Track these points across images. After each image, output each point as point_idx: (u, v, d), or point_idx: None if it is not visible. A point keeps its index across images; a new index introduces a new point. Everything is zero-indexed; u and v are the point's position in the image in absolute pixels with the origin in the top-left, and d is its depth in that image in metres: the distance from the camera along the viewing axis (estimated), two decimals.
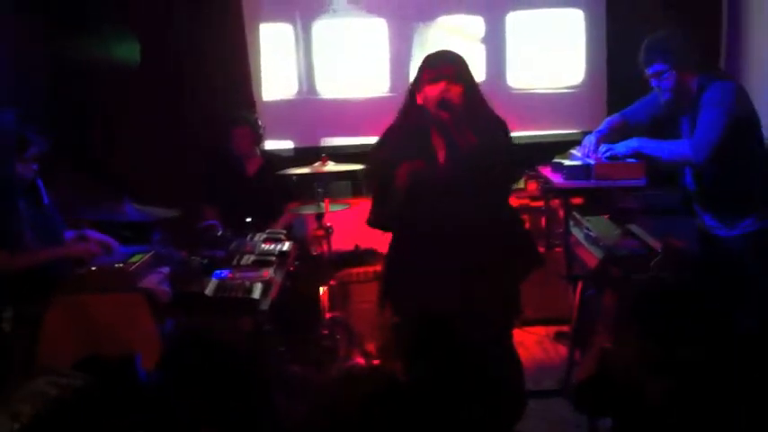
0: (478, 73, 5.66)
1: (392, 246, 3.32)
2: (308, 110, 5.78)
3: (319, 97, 5.79)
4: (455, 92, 3.06)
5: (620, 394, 1.77)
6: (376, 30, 5.75)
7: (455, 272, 3.01)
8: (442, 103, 3.04)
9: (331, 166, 4.40)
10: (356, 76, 5.78)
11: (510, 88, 5.79)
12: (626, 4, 5.60)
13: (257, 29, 5.74)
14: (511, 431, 2.59)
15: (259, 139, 4.95)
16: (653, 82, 3.48)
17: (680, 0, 5.40)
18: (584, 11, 5.77)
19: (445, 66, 3.10)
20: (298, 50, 5.76)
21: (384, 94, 5.68)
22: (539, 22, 5.79)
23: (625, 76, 5.37)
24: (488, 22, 5.75)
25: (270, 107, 5.72)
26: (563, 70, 5.83)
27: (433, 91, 3.07)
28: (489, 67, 5.75)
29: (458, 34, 5.75)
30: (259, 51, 5.75)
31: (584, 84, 5.83)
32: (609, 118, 3.90)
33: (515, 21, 5.78)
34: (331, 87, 5.80)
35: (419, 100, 3.13)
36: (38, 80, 5.21)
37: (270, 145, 5.43)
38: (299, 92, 5.80)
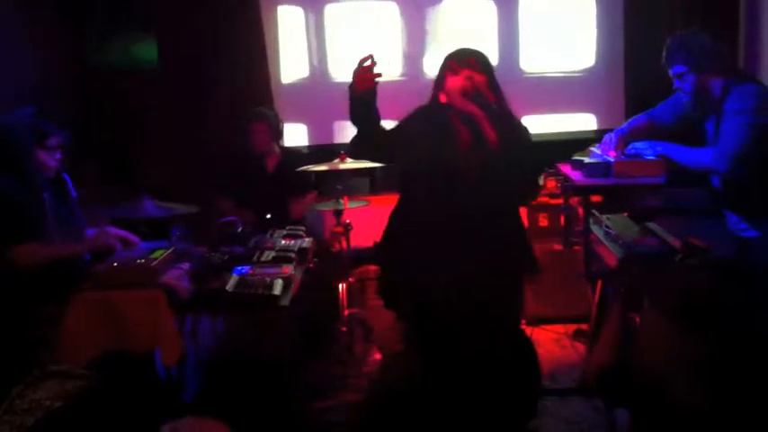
0: (491, 56, 5.70)
1: (389, 233, 3.23)
2: (323, 93, 5.77)
3: (333, 81, 5.79)
4: (480, 80, 3.00)
5: (641, 388, 1.77)
6: (388, 14, 5.75)
7: (453, 265, 2.95)
8: (469, 93, 2.96)
9: (349, 163, 4.42)
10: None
11: (522, 72, 5.77)
12: None
13: (275, 12, 5.77)
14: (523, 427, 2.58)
15: (277, 135, 4.97)
16: (675, 83, 3.45)
17: None
18: None
19: (469, 57, 3.06)
20: (308, 34, 5.77)
21: (396, 78, 5.61)
22: (551, 4, 5.76)
23: (642, 58, 5.40)
24: (500, 5, 5.73)
25: (287, 90, 5.74)
26: (576, 53, 5.80)
27: (456, 81, 3.01)
28: (502, 51, 5.72)
29: (470, 17, 5.73)
30: (277, 34, 5.78)
31: (597, 67, 5.79)
32: (633, 118, 3.88)
33: (527, 3, 5.76)
34: (344, 71, 5.81)
35: (442, 98, 3.07)
36: (59, 80, 5.27)
37: (287, 130, 5.46)
38: (312, 75, 5.81)
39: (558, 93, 5.77)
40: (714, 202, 3.48)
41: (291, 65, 5.83)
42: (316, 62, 5.81)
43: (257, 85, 5.62)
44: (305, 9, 5.77)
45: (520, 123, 3.17)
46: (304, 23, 5.79)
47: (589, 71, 5.80)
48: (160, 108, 5.55)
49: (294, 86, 5.82)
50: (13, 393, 1.51)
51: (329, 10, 5.77)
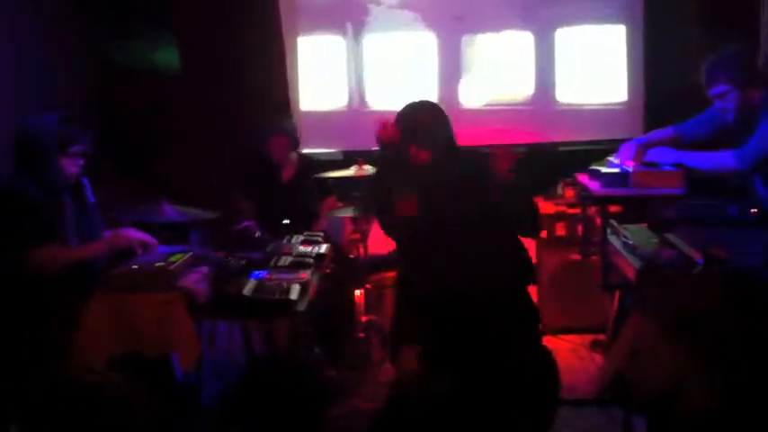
0: (527, 87, 5.81)
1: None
2: (356, 121, 5.86)
3: (368, 109, 5.87)
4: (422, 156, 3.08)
5: (656, 396, 1.76)
6: (426, 44, 5.83)
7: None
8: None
9: (367, 170, 4.43)
10: (405, 90, 5.82)
11: (558, 103, 5.82)
12: (663, 19, 5.61)
13: (295, 41, 5.88)
14: None
15: (296, 146, 4.99)
16: (716, 103, 3.44)
17: (716, 14, 5.37)
18: (626, 26, 5.78)
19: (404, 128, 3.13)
20: (349, 63, 5.89)
21: None
22: (585, 39, 5.84)
23: (662, 91, 5.44)
24: (537, 38, 5.80)
25: (307, 117, 5.80)
26: (609, 86, 5.86)
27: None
28: (538, 82, 5.80)
29: (507, 49, 5.81)
30: (296, 63, 5.88)
31: (628, 100, 5.86)
32: (659, 131, 3.86)
33: (563, 37, 5.83)
34: (379, 100, 5.87)
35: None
36: (83, 84, 5.32)
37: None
38: (349, 103, 5.94)
39: (592, 124, 5.81)
40: (745, 216, 3.45)
41: (316, 92, 5.96)
42: (351, 90, 5.93)
43: (276, 106, 5.70)
44: (344, 38, 5.90)
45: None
46: (338, 51, 5.92)
47: (623, 104, 5.86)
48: (180, 113, 5.60)
49: (316, 114, 5.94)
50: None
51: (366, 40, 5.89)
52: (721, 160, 3.41)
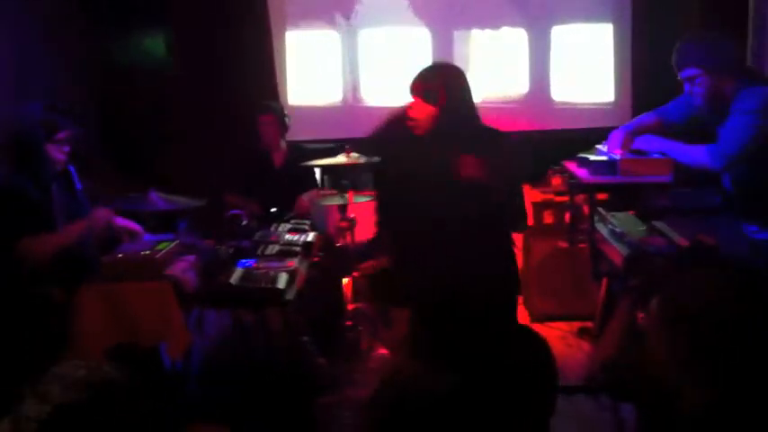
0: (521, 85, 5.78)
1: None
2: (351, 116, 5.84)
3: (363, 104, 5.86)
4: (424, 111, 3.12)
5: (649, 388, 1.76)
6: (419, 39, 5.80)
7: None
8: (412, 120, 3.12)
9: (355, 158, 4.41)
10: (399, 85, 5.81)
11: (553, 101, 5.80)
12: (651, 19, 5.60)
13: (290, 37, 5.86)
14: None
15: (284, 129, 4.96)
16: (686, 86, 3.39)
17: (705, 16, 5.37)
18: (613, 25, 5.78)
19: (415, 81, 3.20)
20: (344, 57, 5.86)
21: None
22: (575, 37, 5.82)
23: (650, 92, 5.44)
24: (531, 36, 5.78)
25: (301, 112, 5.79)
26: (599, 85, 5.86)
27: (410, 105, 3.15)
28: (532, 80, 5.79)
29: (500, 46, 5.79)
30: (291, 58, 5.88)
31: (615, 99, 5.86)
32: (642, 116, 3.85)
33: (555, 35, 5.81)
34: (373, 95, 5.85)
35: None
36: (83, 84, 5.31)
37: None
38: (344, 98, 5.91)
39: (586, 122, 5.78)
40: (726, 204, 3.45)
41: (305, 88, 5.93)
42: (346, 86, 5.90)
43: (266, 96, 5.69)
44: (339, 33, 5.86)
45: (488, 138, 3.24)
46: (331, 46, 5.88)
47: (615, 103, 5.85)
48: (180, 113, 5.59)
49: (307, 109, 5.89)
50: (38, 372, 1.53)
51: (361, 35, 5.86)
52: (697, 156, 3.36)
